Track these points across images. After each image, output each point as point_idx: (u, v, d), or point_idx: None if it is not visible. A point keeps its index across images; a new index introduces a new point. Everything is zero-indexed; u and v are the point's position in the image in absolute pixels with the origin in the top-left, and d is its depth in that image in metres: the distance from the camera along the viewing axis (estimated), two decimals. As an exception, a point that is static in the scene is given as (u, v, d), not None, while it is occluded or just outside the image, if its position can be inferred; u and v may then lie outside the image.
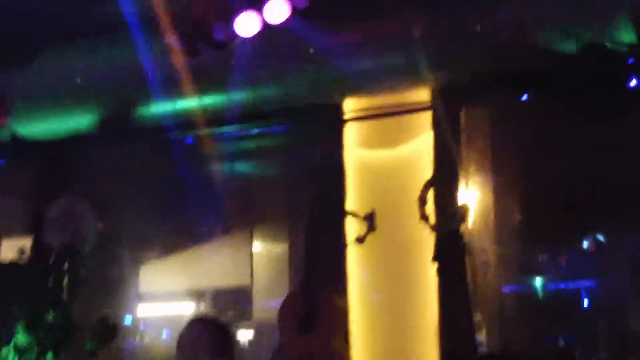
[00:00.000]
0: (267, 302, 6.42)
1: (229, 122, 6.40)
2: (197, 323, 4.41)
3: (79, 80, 6.24)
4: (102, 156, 6.52)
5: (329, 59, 5.78)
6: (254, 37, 5.72)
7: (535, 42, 5.39)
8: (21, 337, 5.82)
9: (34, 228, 6.47)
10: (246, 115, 6.26)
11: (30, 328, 5.86)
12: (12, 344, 5.83)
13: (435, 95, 6.04)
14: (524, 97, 5.98)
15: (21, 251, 6.21)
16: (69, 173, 6.65)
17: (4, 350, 5.81)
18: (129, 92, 6.16)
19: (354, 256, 6.20)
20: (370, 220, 6.10)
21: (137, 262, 6.62)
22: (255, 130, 6.58)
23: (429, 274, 6.03)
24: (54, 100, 6.40)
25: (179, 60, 5.93)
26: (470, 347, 5.62)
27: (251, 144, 6.63)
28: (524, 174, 6.21)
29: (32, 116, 6.47)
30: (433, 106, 6.09)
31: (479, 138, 6.28)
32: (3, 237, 6.31)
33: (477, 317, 6.10)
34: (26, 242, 6.32)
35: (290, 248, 6.49)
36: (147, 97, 6.09)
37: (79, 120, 6.38)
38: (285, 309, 6.08)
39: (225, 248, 6.62)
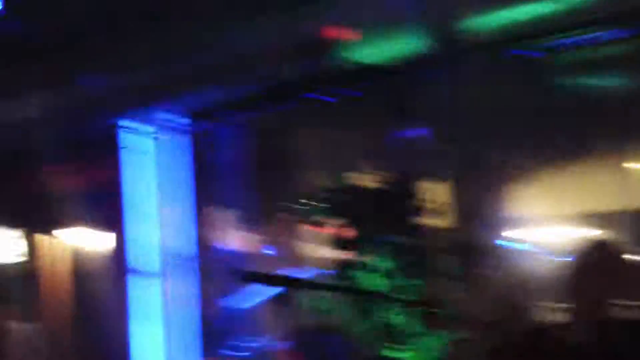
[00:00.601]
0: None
1: (571, 30, 6.01)
2: (593, 247, 4.26)
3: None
4: (442, 78, 6.40)
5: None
6: None
7: None
8: (383, 262, 5.94)
9: (386, 156, 6.51)
10: (584, 21, 5.86)
11: (391, 253, 5.96)
12: (374, 269, 5.97)
13: None
14: None
15: (379, 179, 6.28)
16: (411, 99, 6.60)
17: (367, 274, 5.97)
18: (456, 7, 5.93)
19: None
20: None
21: (503, 185, 6.48)
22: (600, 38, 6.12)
23: None
24: (383, 26, 6.32)
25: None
26: None
27: (595, 53, 6.20)
28: None
29: (366, 42, 6.45)
30: None
31: None
32: (358, 167, 6.41)
33: None
34: (382, 171, 6.36)
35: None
36: (477, 10, 5.85)
37: (412, 43, 6.29)
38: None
39: (602, 168, 6.31)
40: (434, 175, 6.44)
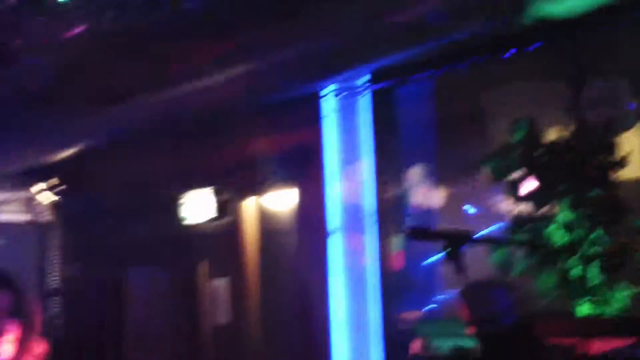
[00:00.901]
0: None
1: None
2: None
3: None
4: (631, 28, 6.10)
5: None
6: None
7: None
8: (567, 214, 5.79)
9: (574, 108, 6.33)
10: None
11: (578, 205, 5.80)
12: (557, 221, 5.84)
13: None
14: None
15: (567, 131, 6.12)
16: (599, 50, 6.36)
17: (552, 228, 5.85)
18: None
19: None
20: None
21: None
22: None
23: None
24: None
25: None
26: None
27: None
28: None
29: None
30: None
31: None
32: (545, 120, 6.26)
33: None
34: (571, 123, 6.17)
35: None
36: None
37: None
38: None
39: None
40: (623, 126, 6.21)
